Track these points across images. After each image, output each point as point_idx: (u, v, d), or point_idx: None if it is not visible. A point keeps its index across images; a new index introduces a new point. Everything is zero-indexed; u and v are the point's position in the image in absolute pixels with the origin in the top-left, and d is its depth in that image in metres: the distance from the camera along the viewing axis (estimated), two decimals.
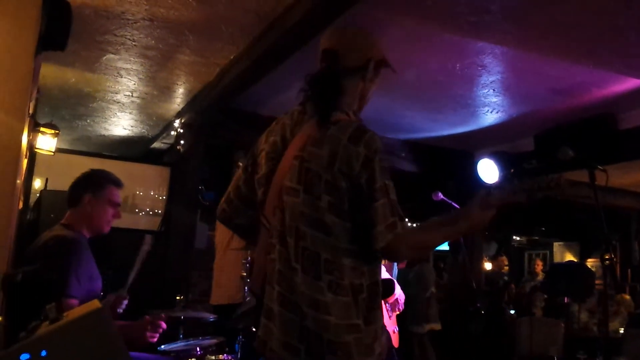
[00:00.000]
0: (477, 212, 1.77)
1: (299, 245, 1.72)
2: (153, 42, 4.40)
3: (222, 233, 4.49)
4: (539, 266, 10.28)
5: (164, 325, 2.69)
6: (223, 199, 2.04)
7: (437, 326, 6.55)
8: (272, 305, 1.73)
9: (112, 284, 2.78)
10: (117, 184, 2.89)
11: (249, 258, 3.49)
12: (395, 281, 3.93)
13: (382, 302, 3.43)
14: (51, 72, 5.11)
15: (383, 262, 2.07)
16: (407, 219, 1.78)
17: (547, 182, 1.78)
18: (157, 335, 2.67)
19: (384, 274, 3.69)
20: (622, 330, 6.42)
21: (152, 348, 2.99)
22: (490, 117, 5.76)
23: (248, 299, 3.47)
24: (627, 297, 7.47)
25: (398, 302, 3.86)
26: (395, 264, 4.67)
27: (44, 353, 1.56)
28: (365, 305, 1.71)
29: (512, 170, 6.08)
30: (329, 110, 1.81)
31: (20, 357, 1.54)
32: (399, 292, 3.84)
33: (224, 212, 2.03)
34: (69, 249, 2.60)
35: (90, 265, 2.69)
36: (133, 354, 2.49)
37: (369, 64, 1.89)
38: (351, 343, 1.66)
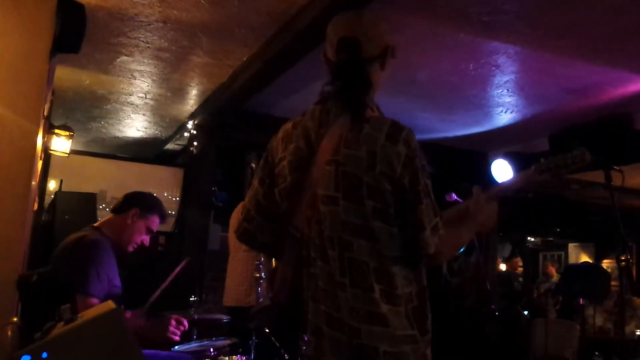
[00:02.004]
0: (484, 204, 1.73)
1: (343, 257, 1.57)
2: (166, 44, 4.42)
3: (233, 235, 4.47)
4: (552, 269, 10.16)
5: (186, 323, 2.78)
6: (242, 217, 1.83)
7: None
8: (320, 325, 1.59)
9: (126, 284, 2.81)
10: (163, 217, 3.06)
11: (262, 259, 3.48)
12: None
13: None
14: (65, 75, 5.15)
15: None
16: None
17: (572, 158, 1.73)
18: (180, 333, 2.75)
19: None
20: (638, 333, 6.36)
21: (166, 349, 3.01)
22: (504, 117, 5.72)
23: (261, 299, 3.45)
24: None
25: None
26: None
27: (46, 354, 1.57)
28: (419, 314, 1.59)
29: None
30: (363, 105, 1.67)
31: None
32: None
33: (247, 232, 1.81)
34: (92, 248, 2.66)
35: (112, 269, 2.73)
36: (146, 352, 2.51)
37: (387, 52, 1.74)
38: (409, 354, 1.55)
